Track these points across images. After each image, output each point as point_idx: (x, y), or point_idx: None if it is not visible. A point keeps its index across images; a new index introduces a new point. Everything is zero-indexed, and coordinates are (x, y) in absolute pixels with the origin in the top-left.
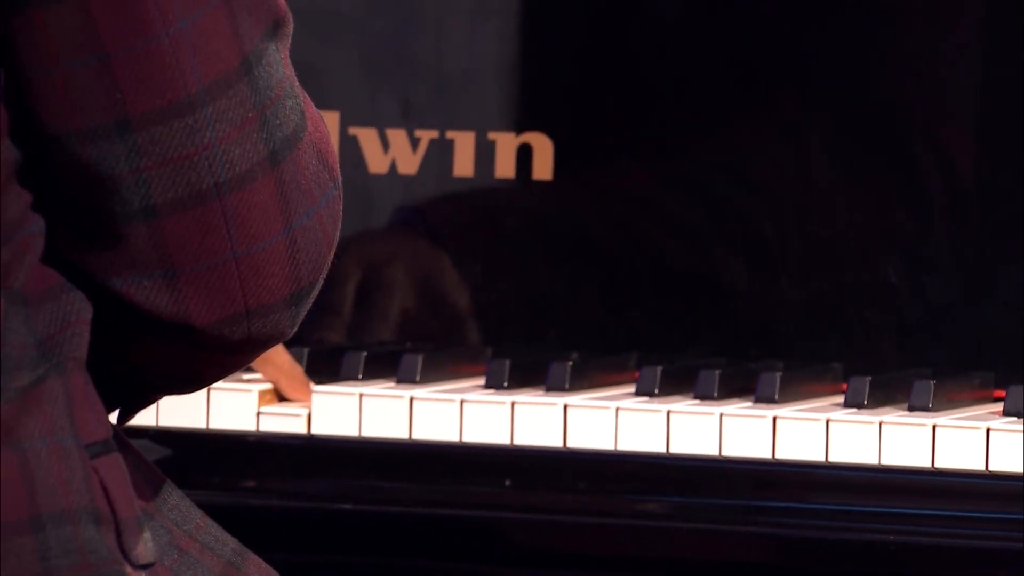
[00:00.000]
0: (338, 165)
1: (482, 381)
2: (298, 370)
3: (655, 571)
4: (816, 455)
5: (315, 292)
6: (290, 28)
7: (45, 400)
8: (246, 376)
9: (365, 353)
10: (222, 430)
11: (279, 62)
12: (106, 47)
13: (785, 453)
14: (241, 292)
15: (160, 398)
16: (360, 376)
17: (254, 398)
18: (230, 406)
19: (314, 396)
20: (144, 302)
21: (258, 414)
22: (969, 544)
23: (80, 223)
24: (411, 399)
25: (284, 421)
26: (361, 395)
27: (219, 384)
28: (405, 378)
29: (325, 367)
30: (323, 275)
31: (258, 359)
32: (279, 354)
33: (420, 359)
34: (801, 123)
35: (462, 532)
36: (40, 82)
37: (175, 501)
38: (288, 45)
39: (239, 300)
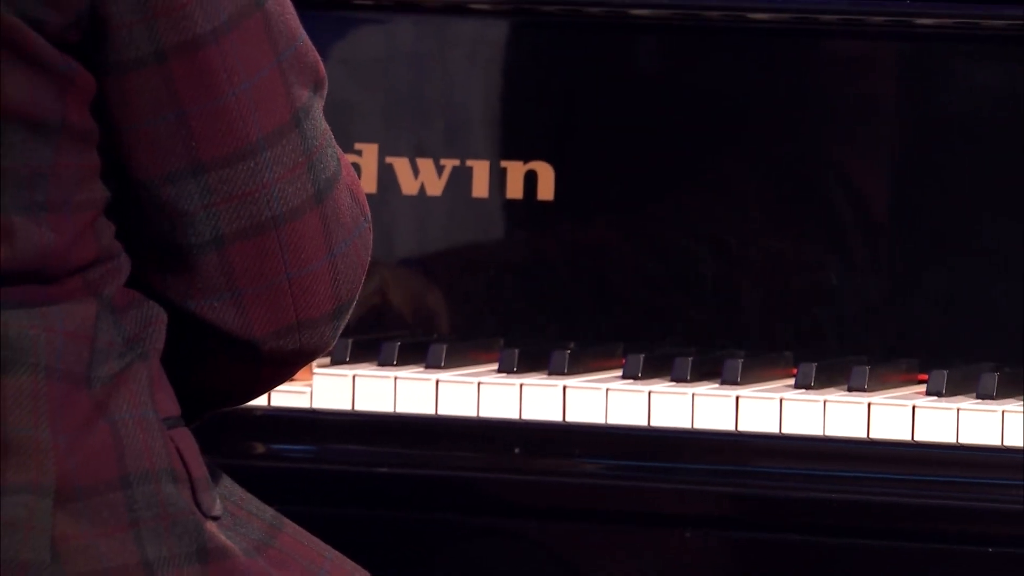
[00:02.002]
0: (367, 204)
1: (495, 367)
2: None
3: (638, 523)
4: (771, 428)
5: (351, 308)
6: (326, 89)
7: (131, 380)
8: None
9: (399, 343)
10: (282, 407)
11: (321, 117)
12: (183, 105)
13: (746, 426)
14: (293, 307)
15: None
16: (395, 362)
17: (307, 380)
18: (288, 387)
19: (356, 378)
20: (215, 320)
21: (311, 393)
22: (898, 501)
23: (161, 255)
24: (437, 381)
25: (332, 399)
26: (396, 378)
27: None
28: (432, 364)
29: (366, 354)
30: (358, 293)
31: None
32: None
33: (444, 348)
34: (761, 158)
35: (480, 491)
36: (129, 135)
37: (221, 477)
38: (323, 103)
39: (291, 314)
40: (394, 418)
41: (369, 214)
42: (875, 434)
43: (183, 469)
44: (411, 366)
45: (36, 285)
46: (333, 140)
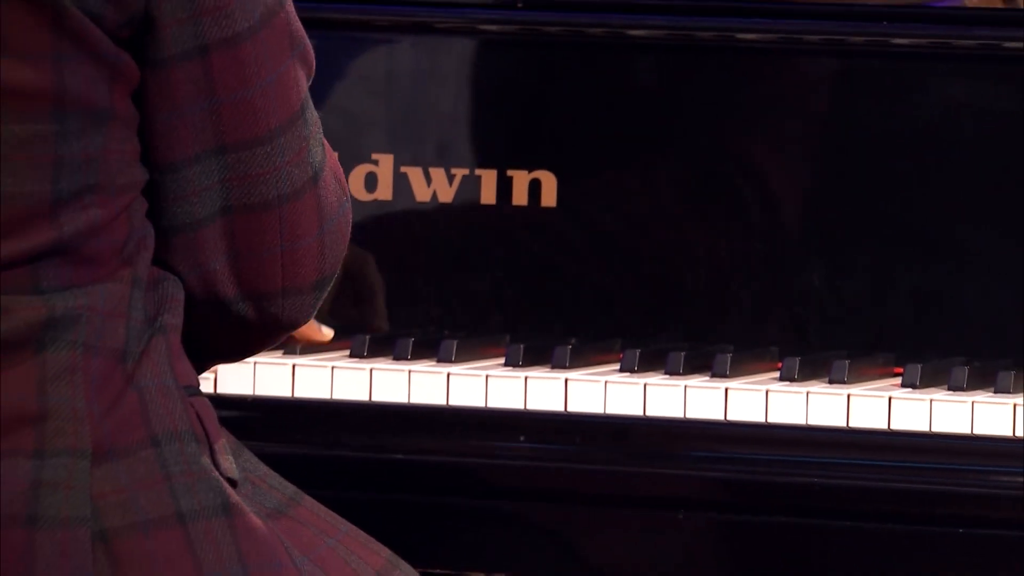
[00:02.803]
0: (347, 185)
1: (502, 360)
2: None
3: (635, 505)
4: (758, 417)
5: (332, 281)
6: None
7: (153, 353)
8: (323, 357)
9: (412, 339)
10: (305, 397)
11: (313, 113)
12: (218, 94)
13: (734, 416)
14: (281, 275)
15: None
16: (409, 356)
17: (328, 372)
18: (311, 379)
19: (373, 372)
20: (210, 283)
21: (332, 384)
22: (874, 485)
23: (172, 227)
24: (448, 374)
25: (351, 390)
26: (410, 372)
27: (303, 362)
28: (443, 358)
29: (382, 350)
30: (339, 268)
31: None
32: None
33: (455, 344)
34: (749, 168)
35: (487, 476)
36: (165, 121)
37: (247, 455)
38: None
39: (278, 281)
40: (408, 408)
41: (349, 195)
42: (854, 423)
43: (202, 432)
44: (424, 360)
45: (82, 264)
46: (318, 124)
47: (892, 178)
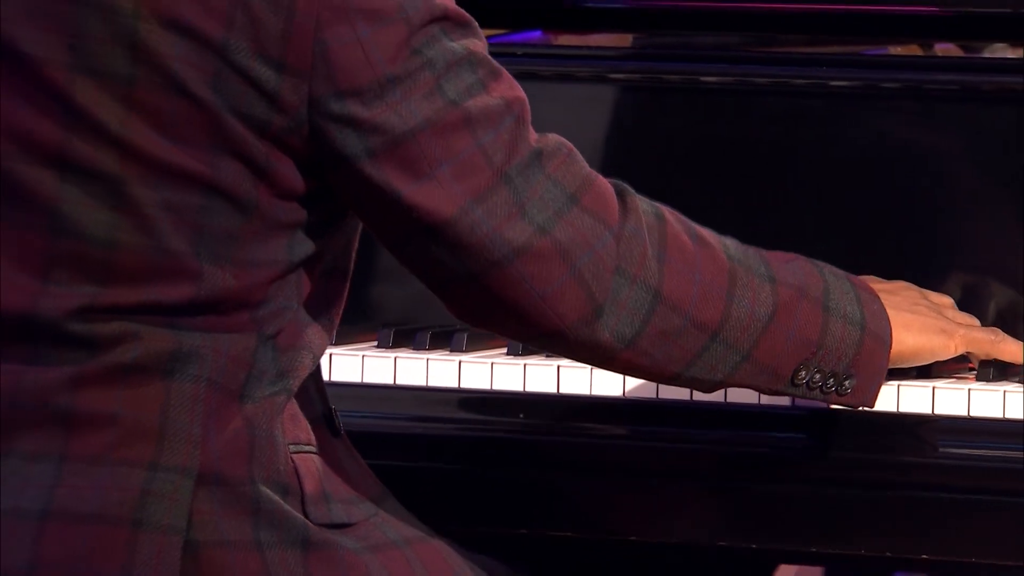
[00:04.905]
0: (614, 219)
1: (505, 350)
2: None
3: (615, 472)
4: (719, 398)
5: (613, 306)
6: (551, 146)
7: (272, 408)
8: (354, 347)
9: (430, 332)
10: (339, 381)
11: (542, 168)
12: (398, 187)
13: (699, 396)
14: (554, 316)
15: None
16: (427, 347)
17: (359, 360)
18: (344, 365)
19: (397, 360)
20: (503, 330)
21: (362, 370)
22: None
23: (432, 288)
24: (459, 362)
25: (378, 376)
26: (427, 359)
27: (338, 352)
28: (455, 348)
29: (404, 341)
30: (611, 293)
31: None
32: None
33: (465, 336)
34: (704, 190)
35: (492, 448)
36: (362, 214)
37: (388, 500)
38: (555, 159)
39: (555, 321)
40: (426, 390)
41: (615, 227)
42: (799, 403)
43: (297, 483)
44: (439, 350)
45: (214, 316)
46: (562, 180)
47: (827, 199)
